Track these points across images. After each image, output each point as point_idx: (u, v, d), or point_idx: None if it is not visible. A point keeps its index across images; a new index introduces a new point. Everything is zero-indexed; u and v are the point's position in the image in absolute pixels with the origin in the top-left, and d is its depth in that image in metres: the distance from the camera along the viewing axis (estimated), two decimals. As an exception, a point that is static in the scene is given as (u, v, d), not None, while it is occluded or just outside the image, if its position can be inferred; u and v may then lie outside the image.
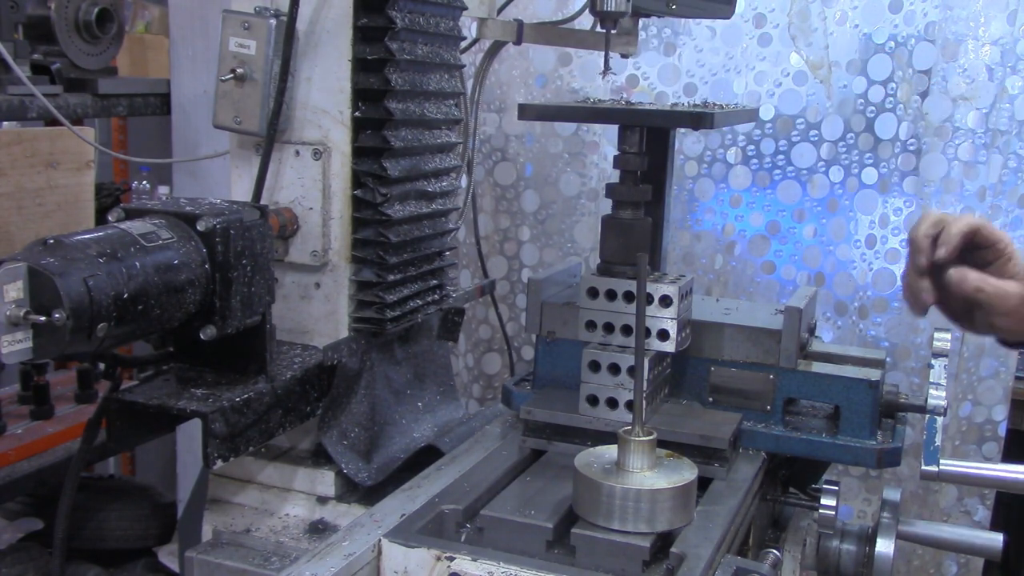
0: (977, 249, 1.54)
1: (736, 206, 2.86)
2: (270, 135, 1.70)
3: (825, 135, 2.72)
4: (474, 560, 1.32)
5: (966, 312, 1.55)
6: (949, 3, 2.54)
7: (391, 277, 1.81)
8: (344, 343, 1.78)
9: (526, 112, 1.78)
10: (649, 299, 1.62)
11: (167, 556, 2.90)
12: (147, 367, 1.63)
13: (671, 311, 1.62)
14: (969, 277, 1.49)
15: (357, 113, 1.74)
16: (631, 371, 1.60)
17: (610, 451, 1.42)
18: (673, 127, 1.94)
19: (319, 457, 1.83)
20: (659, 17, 2.35)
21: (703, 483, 1.53)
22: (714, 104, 1.92)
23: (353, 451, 1.80)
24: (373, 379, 1.87)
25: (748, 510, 1.58)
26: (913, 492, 2.77)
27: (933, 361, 1.76)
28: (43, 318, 1.25)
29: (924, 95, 2.61)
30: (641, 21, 2.31)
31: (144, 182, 3.53)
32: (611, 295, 1.66)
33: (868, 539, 1.76)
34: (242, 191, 1.79)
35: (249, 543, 1.74)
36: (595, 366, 1.64)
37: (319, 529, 1.75)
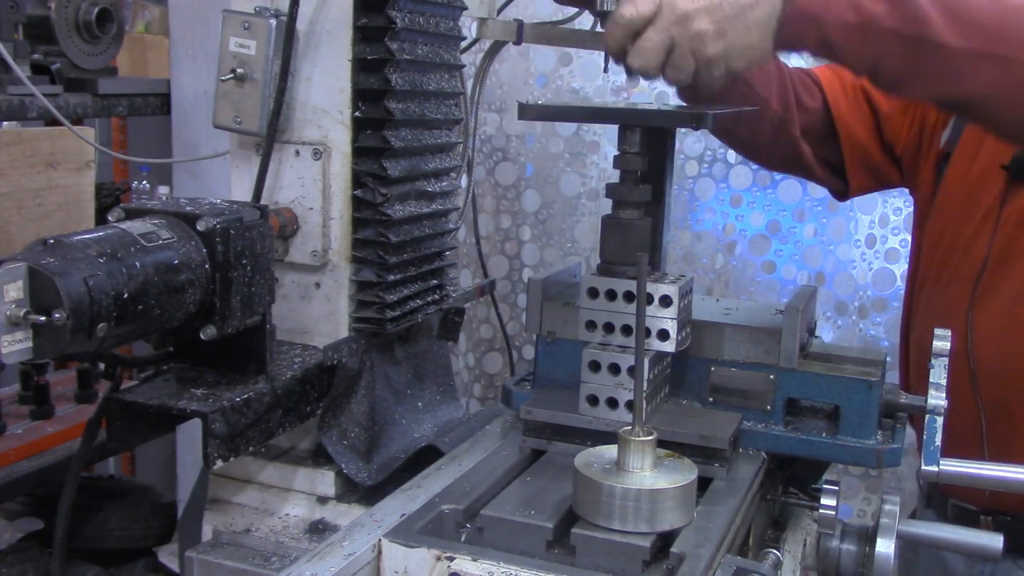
0: None
1: (737, 206, 2.86)
2: (270, 135, 1.70)
3: (825, 135, 2.72)
4: (474, 560, 1.32)
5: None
6: None
7: (391, 277, 1.81)
8: (344, 343, 1.78)
9: (526, 112, 1.77)
10: (649, 299, 1.62)
11: (167, 556, 2.90)
12: (147, 367, 1.63)
13: (671, 311, 1.62)
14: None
15: (357, 113, 1.74)
16: (631, 371, 1.60)
17: (610, 451, 1.42)
18: (673, 127, 1.94)
19: (319, 457, 1.83)
20: (659, 17, 2.34)
21: (703, 483, 1.52)
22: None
23: (353, 451, 1.80)
24: (373, 379, 1.87)
25: (748, 510, 1.58)
26: (913, 492, 2.77)
27: (933, 361, 1.76)
28: (43, 318, 1.25)
29: (924, 95, 2.61)
30: (641, 21, 2.30)
31: (144, 182, 3.54)
32: (611, 295, 1.66)
33: (868, 539, 1.76)
34: (242, 191, 1.79)
35: (249, 543, 1.74)
36: (595, 366, 1.64)
37: (319, 529, 1.75)
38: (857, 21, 1.54)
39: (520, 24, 2.08)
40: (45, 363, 2.67)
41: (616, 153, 1.75)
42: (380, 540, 1.38)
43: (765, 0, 1.55)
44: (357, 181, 1.77)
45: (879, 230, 2.73)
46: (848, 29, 1.55)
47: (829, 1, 1.56)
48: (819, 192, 2.77)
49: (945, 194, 2.01)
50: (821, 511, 1.72)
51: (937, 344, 1.77)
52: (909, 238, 2.70)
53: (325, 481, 1.80)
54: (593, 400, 1.65)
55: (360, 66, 1.73)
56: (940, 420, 1.69)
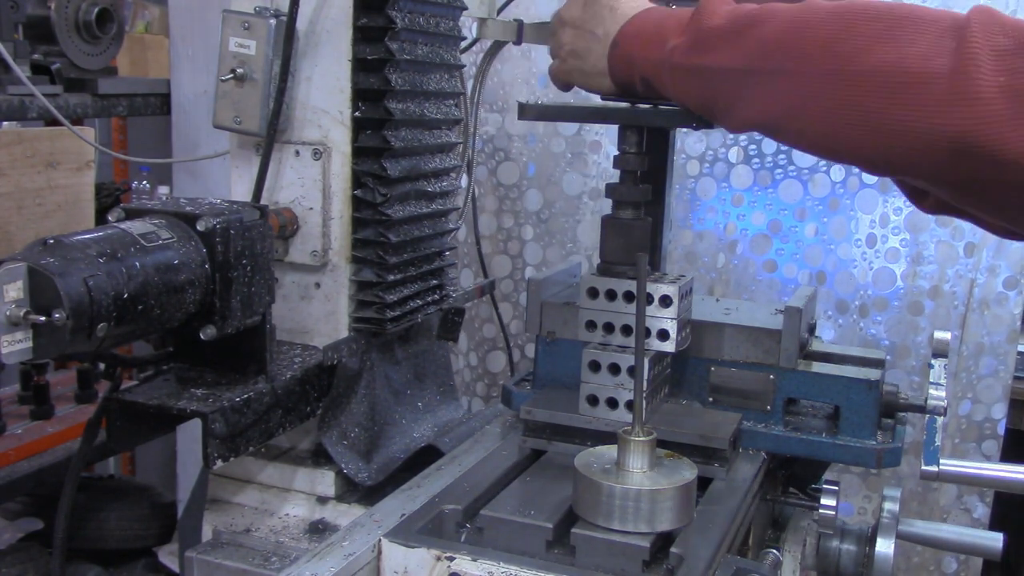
0: None
1: (738, 205, 2.86)
2: (270, 135, 1.70)
3: (826, 134, 2.72)
4: (474, 560, 1.32)
5: None
6: (949, 3, 2.54)
7: (391, 277, 1.81)
8: (344, 343, 1.78)
9: (526, 112, 1.77)
10: (649, 299, 1.62)
11: (167, 556, 2.90)
12: (147, 367, 1.63)
13: (671, 311, 1.62)
14: None
15: (357, 113, 1.74)
16: (631, 371, 1.60)
17: (610, 451, 1.42)
18: (673, 127, 1.94)
19: (319, 457, 1.83)
20: (659, 17, 2.34)
21: (703, 483, 1.52)
22: None
23: (353, 451, 1.80)
24: (373, 379, 1.87)
25: (748, 510, 1.58)
26: (913, 491, 2.77)
27: (933, 361, 1.76)
28: (43, 318, 1.25)
29: (925, 94, 2.61)
30: (641, 21, 2.30)
31: (144, 182, 3.54)
32: (611, 295, 1.66)
33: (868, 539, 1.76)
34: (242, 191, 1.79)
35: (249, 543, 1.74)
36: (595, 366, 1.64)
37: (319, 529, 1.75)
38: (660, 58, 1.45)
39: (520, 24, 2.08)
40: (45, 363, 2.66)
41: (616, 153, 1.75)
42: (380, 540, 1.38)
43: (606, 35, 1.54)
44: (357, 181, 1.77)
45: (879, 230, 2.72)
46: (655, 67, 1.46)
47: (648, 39, 1.48)
48: (820, 191, 2.77)
49: None
50: (821, 511, 1.72)
51: (937, 344, 1.77)
52: (909, 237, 2.71)
53: (325, 481, 1.80)
54: (593, 400, 1.65)
55: (360, 66, 1.73)
56: (940, 420, 1.69)
